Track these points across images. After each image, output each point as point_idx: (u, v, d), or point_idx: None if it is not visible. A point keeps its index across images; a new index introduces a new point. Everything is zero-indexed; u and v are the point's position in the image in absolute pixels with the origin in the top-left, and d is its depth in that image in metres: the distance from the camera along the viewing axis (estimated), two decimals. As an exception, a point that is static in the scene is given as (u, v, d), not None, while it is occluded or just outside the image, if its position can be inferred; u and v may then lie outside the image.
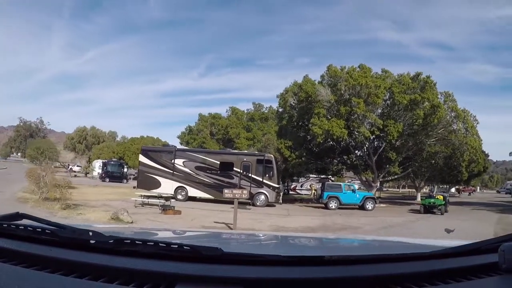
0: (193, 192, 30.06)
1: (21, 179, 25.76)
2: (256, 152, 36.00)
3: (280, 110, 40.05)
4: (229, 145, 48.01)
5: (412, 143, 34.05)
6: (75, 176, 57.56)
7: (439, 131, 32.70)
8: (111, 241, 1.76)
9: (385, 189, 77.39)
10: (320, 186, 33.79)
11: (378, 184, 39.27)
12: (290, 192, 49.48)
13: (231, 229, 15.02)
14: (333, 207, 30.21)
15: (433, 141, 34.01)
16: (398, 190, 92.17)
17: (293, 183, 51.28)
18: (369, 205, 30.54)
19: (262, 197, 29.63)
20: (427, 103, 30.59)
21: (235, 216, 15.76)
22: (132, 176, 60.12)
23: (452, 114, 32.69)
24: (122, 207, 17.93)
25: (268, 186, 29.82)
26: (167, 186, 29.61)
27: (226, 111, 61.89)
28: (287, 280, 1.56)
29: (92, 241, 1.79)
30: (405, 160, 36.98)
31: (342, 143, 35.60)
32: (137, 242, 1.73)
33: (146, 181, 30.26)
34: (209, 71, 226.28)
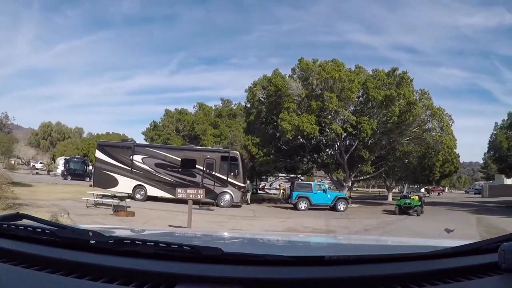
0: (152, 191, 27.96)
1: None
2: (221, 149, 33.77)
3: (248, 105, 37.79)
4: (195, 142, 45.89)
5: (386, 141, 32.72)
6: (37, 173, 55.96)
7: (413, 130, 31.41)
8: (111, 241, 1.76)
9: (355, 188, 76.07)
10: (289, 185, 31.98)
11: (350, 184, 37.88)
12: (259, 192, 47.55)
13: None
14: (303, 208, 28.67)
15: (407, 139, 32.74)
16: (368, 189, 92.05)
17: (262, 182, 49.68)
18: (341, 206, 29.01)
19: (227, 197, 27.78)
20: (402, 100, 29.17)
21: (189, 219, 14.47)
22: (96, 174, 57.14)
23: (428, 113, 31.42)
24: (72, 208, 17.21)
25: (233, 185, 27.96)
26: (125, 185, 27.73)
27: (194, 107, 60.10)
28: (287, 280, 1.55)
29: (92, 241, 1.78)
30: (378, 159, 35.72)
31: (313, 141, 33.98)
32: (137, 242, 1.73)
33: (103, 179, 28.15)
34: (181, 69, 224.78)
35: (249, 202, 31.78)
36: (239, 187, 28.10)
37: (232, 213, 23.92)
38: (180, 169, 27.99)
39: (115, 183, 27.88)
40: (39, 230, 1.85)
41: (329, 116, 29.34)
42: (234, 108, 55.76)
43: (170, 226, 15.69)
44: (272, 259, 1.69)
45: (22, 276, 1.54)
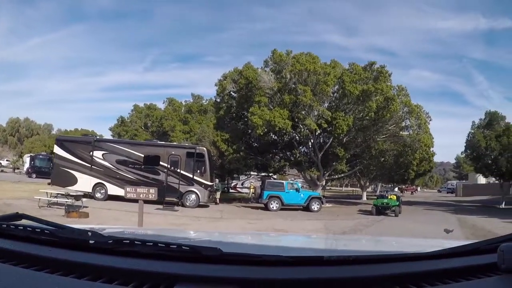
0: (113, 190, 25.76)
1: None
2: (186, 145, 31.64)
3: (218, 100, 35.75)
4: (164, 139, 43.60)
5: (362, 139, 31.41)
6: (2, 171, 54.97)
7: (390, 127, 30.23)
8: (110, 241, 1.77)
9: (329, 187, 75.49)
10: (260, 184, 30.18)
11: (324, 183, 36.39)
12: (231, 191, 46.00)
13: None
14: (274, 208, 27.01)
15: (384, 137, 31.51)
16: (341, 188, 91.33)
17: (234, 181, 47.73)
18: (314, 206, 27.46)
19: (193, 196, 25.85)
20: (380, 95, 27.77)
21: (140, 221, 12.77)
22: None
23: (405, 109, 30.28)
24: (24, 208, 15.97)
25: (200, 183, 26.02)
26: (85, 183, 25.68)
27: (163, 102, 58.27)
28: (287, 281, 1.55)
29: (91, 241, 1.78)
30: (353, 157, 34.45)
31: (285, 137, 32.48)
32: (136, 242, 1.74)
33: (62, 177, 25.99)
34: (155, 66, 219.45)
35: (218, 202, 30.05)
36: (206, 186, 26.17)
37: (198, 214, 22.41)
38: (142, 166, 26.11)
39: (74, 181, 25.87)
40: (38, 230, 1.85)
41: (303, 111, 27.70)
42: (205, 103, 53.70)
43: (124, 229, 13.87)
44: (271, 260, 1.68)
45: (21, 276, 1.53)
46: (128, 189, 14.42)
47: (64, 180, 25.67)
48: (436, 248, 1.99)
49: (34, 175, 48.53)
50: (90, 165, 26.21)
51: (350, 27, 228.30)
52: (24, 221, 1.99)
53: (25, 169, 56.14)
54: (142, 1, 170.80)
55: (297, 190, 27.94)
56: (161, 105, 58.67)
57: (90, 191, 25.23)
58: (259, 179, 38.35)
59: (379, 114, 27.92)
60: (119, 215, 18.76)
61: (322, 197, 29.60)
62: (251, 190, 34.99)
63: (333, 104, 30.48)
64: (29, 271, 1.57)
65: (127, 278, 1.52)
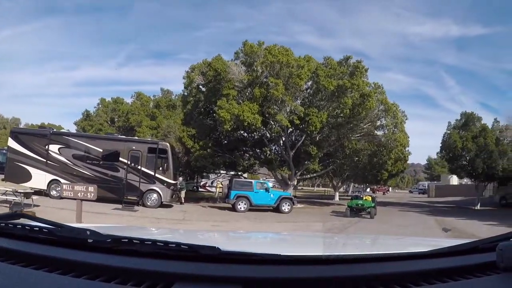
0: None
1: None
2: (148, 139, 29.62)
3: (186, 93, 33.59)
4: (130, 134, 41.35)
5: (335, 137, 29.89)
6: None
7: (365, 126, 28.91)
8: (109, 240, 1.78)
9: (300, 187, 74.70)
10: (228, 183, 28.45)
11: (295, 182, 34.73)
12: (200, 190, 44.29)
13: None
14: (242, 209, 25.50)
15: (358, 136, 30.14)
16: (313, 188, 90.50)
17: (203, 180, 46.03)
18: (285, 207, 26.13)
19: (154, 195, 24.12)
20: (355, 91, 26.30)
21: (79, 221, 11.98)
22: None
23: (381, 108, 28.96)
24: None
25: (162, 181, 24.32)
26: (39, 179, 24.04)
27: (132, 97, 55.81)
28: (285, 279, 1.56)
29: (89, 240, 1.79)
30: (326, 156, 33.09)
31: (255, 134, 30.73)
32: (134, 241, 1.75)
33: (16, 172, 24.29)
34: (129, 62, 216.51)
35: (183, 201, 28.33)
36: (168, 184, 24.42)
37: (158, 214, 20.80)
38: (101, 162, 24.28)
39: (28, 177, 24.10)
40: (37, 229, 1.86)
41: (274, 106, 25.95)
42: (175, 99, 51.65)
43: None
44: (270, 258, 1.71)
45: (20, 275, 1.54)
46: (64, 186, 12.81)
47: (18, 176, 24.12)
48: (435, 247, 2.07)
49: (-6, 171, 45.63)
50: (45, 160, 24.37)
51: (326, 29, 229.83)
52: (22, 220, 2.01)
53: (-14, 164, 53.32)
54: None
55: (267, 190, 26.40)
56: (130, 100, 56.14)
57: (45, 188, 23.55)
58: (230, 178, 36.50)
59: (355, 111, 26.49)
60: (69, 215, 16.76)
61: (293, 197, 28.19)
62: (218, 189, 33.23)
63: (307, 100, 28.90)
64: (27, 269, 1.57)
65: (125, 277, 1.52)
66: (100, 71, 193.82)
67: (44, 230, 1.85)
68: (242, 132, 30.00)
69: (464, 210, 33.32)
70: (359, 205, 24.87)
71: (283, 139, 29.97)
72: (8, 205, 17.00)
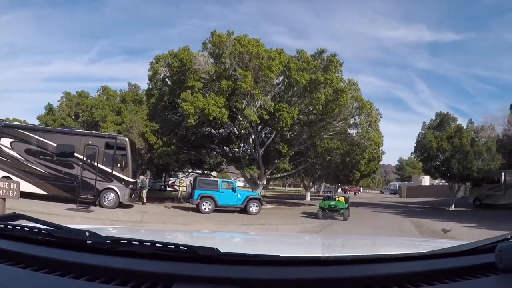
0: (22, 185, 21.60)
1: None
2: (106, 134, 27.41)
3: (150, 86, 31.44)
4: (94, 129, 39.16)
5: (307, 135, 28.50)
6: None
7: (338, 124, 27.60)
8: (108, 241, 1.77)
9: (271, 187, 74.10)
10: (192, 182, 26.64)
11: (265, 182, 33.17)
12: (168, 189, 42.79)
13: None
14: (207, 209, 23.75)
15: (331, 134, 28.79)
16: (284, 188, 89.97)
17: (171, 178, 44.45)
18: (253, 208, 24.51)
19: (112, 195, 22.20)
20: (329, 86, 24.81)
21: None
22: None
23: (355, 105, 27.74)
24: None
25: (120, 180, 22.40)
26: None
27: (97, 91, 53.39)
28: (284, 281, 1.57)
29: (88, 242, 1.79)
30: (297, 155, 31.67)
31: (223, 130, 29.24)
32: (133, 242, 1.74)
33: None
34: (101, 58, 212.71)
35: (145, 201, 26.59)
36: (126, 183, 22.51)
37: (114, 216, 19.01)
38: (55, 158, 22.26)
39: None
40: (36, 230, 1.86)
41: (243, 100, 24.30)
42: (142, 93, 49.54)
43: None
44: (269, 259, 1.71)
45: (19, 277, 1.53)
46: (-15, 184, 11.25)
47: (-33, 173, 21.81)
48: (434, 248, 2.09)
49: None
50: None
51: (300, 30, 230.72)
52: (21, 221, 1.99)
53: None
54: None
55: (233, 189, 24.71)
56: (96, 94, 53.61)
57: None
58: (194, 177, 34.62)
59: (328, 108, 25.01)
60: None
61: (261, 197, 26.64)
62: (180, 188, 31.39)
63: (278, 96, 27.46)
64: (27, 271, 1.57)
65: (125, 278, 1.52)
66: (71, 66, 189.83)
67: (43, 231, 1.83)
68: (208, 128, 28.33)
69: (438, 211, 32.95)
70: (332, 206, 23.47)
71: (253, 136, 28.37)
72: None
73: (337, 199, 25.00)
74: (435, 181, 63.98)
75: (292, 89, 26.39)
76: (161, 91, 29.28)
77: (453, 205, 35.45)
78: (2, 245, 1.77)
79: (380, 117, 31.51)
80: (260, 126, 28.15)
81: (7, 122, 25.97)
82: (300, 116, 26.68)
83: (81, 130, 27.33)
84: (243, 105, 24.16)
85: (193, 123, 24.17)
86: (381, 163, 47.27)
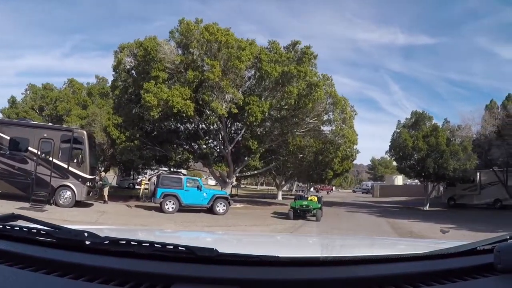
0: None
1: None
2: (63, 126, 25.32)
3: (115, 77, 29.43)
4: (58, 123, 37.09)
5: (279, 132, 27.17)
6: None
7: (311, 121, 26.39)
8: (107, 241, 1.74)
9: (243, 185, 73.09)
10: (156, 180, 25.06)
11: (234, 180, 31.86)
12: (137, 187, 40.06)
13: None
14: (170, 209, 22.35)
15: (303, 131, 27.64)
16: (257, 187, 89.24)
17: (140, 176, 42.18)
18: (220, 208, 23.17)
19: (68, 193, 20.45)
20: (302, 80, 23.68)
21: None
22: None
23: (329, 101, 26.47)
24: None
25: (76, 176, 20.63)
26: None
27: (64, 84, 50.82)
28: (283, 281, 1.55)
29: (87, 242, 1.76)
30: (268, 152, 30.43)
31: (189, 125, 27.77)
32: (132, 243, 1.71)
33: None
34: (75, 52, 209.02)
35: (106, 199, 24.91)
36: (84, 180, 20.74)
37: (68, 216, 17.45)
38: (7, 152, 20.38)
39: None
40: (34, 230, 1.84)
41: (210, 92, 22.75)
42: (109, 86, 47.63)
43: None
44: (268, 260, 1.67)
45: (17, 277, 1.53)
46: None
47: None
48: (432, 249, 2.02)
49: None
50: None
51: (275, 28, 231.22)
52: (20, 222, 1.98)
53: None
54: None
55: (199, 187, 23.28)
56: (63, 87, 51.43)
57: None
58: (158, 174, 32.85)
59: (300, 103, 23.77)
60: None
61: (229, 196, 25.15)
62: (142, 186, 29.70)
63: (249, 90, 26.18)
64: (25, 272, 1.56)
65: (123, 279, 1.51)
66: (44, 61, 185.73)
67: (42, 232, 1.81)
68: (174, 122, 26.71)
69: (413, 211, 32.70)
70: (304, 206, 22.33)
71: (221, 132, 26.88)
72: None
73: (309, 198, 23.84)
74: (408, 180, 64.44)
75: (264, 83, 25.11)
76: (126, 83, 27.50)
77: (428, 205, 35.25)
78: (1, 246, 1.73)
79: (355, 114, 30.52)
80: (229, 121, 26.88)
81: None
82: (272, 111, 25.55)
83: (36, 122, 25.28)
84: (210, 98, 22.62)
85: (156, 116, 22.54)
86: (353, 162, 46.70)
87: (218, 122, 25.34)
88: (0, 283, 1.44)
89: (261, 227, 19.06)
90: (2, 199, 19.04)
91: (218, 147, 28.77)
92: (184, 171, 33.25)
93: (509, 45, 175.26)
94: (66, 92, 47.58)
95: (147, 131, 27.29)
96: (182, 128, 28.27)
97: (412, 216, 26.81)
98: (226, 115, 23.36)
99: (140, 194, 29.18)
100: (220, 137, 27.73)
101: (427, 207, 34.92)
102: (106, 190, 25.16)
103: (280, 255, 1.69)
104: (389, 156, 39.74)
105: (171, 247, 1.66)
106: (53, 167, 20.39)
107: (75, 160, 20.80)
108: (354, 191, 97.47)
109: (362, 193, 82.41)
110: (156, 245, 1.68)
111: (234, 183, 40.85)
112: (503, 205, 32.94)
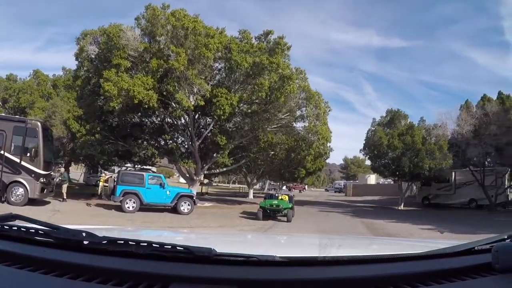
0: None
1: None
2: (16, 117, 23.18)
3: (77, 66, 27.40)
4: (21, 116, 35.10)
5: (249, 127, 25.91)
6: None
7: (283, 116, 25.22)
8: (105, 241, 1.72)
9: (215, 184, 71.83)
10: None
11: (202, 178, 30.56)
12: (105, 185, 38.55)
13: None
14: (131, 208, 20.94)
15: (275, 127, 26.50)
16: (228, 185, 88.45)
17: (108, 173, 40.08)
18: (184, 207, 21.80)
19: (20, 190, 18.85)
20: (274, 72, 22.44)
21: None
22: None
23: (302, 95, 25.47)
24: None
25: (29, 172, 19.03)
26: None
27: (30, 75, 48.41)
28: (281, 281, 1.56)
29: (85, 242, 1.75)
30: (238, 149, 29.32)
31: (155, 118, 26.34)
32: (130, 242, 1.70)
33: None
34: (48, 46, 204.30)
35: (65, 197, 23.19)
36: (37, 176, 19.13)
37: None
38: None
39: None
40: (33, 230, 1.82)
41: (175, 83, 21.28)
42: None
43: None
44: (265, 260, 1.66)
45: (15, 277, 1.52)
46: None
47: None
48: (430, 249, 2.01)
49: None
50: None
51: (250, 27, 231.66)
52: (18, 222, 1.94)
53: None
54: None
55: (162, 185, 21.75)
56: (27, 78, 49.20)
57: None
58: (118, 171, 31.07)
59: (272, 97, 22.56)
60: None
61: (194, 195, 23.72)
62: (101, 183, 28.05)
63: (218, 82, 24.79)
64: (23, 271, 1.55)
65: (121, 279, 1.51)
66: (17, 55, 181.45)
67: (40, 231, 1.78)
68: (138, 115, 25.06)
69: (388, 211, 32.23)
70: (274, 205, 21.06)
71: (189, 126, 25.41)
72: None
73: (280, 197, 22.63)
74: (381, 180, 64.45)
75: (234, 75, 23.77)
76: (89, 73, 25.73)
77: (402, 204, 34.92)
78: None
79: (329, 110, 29.59)
80: (197, 115, 25.49)
81: None
82: (242, 106, 24.37)
83: None
84: (176, 89, 21.16)
85: (117, 107, 20.93)
86: (326, 161, 46.14)
87: (185, 116, 23.92)
88: None
89: (227, 228, 17.84)
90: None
91: (185, 142, 27.31)
92: (153, 168, 31.72)
93: (482, 50, 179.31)
94: (30, 84, 45.35)
95: (110, 125, 25.55)
96: (148, 122, 26.77)
97: (387, 216, 26.22)
98: (193, 108, 22.00)
99: (99, 191, 27.50)
100: (188, 132, 26.26)
101: (401, 207, 34.60)
102: (65, 188, 23.43)
103: (278, 255, 1.65)
104: (363, 155, 38.97)
105: (169, 247, 1.64)
106: (5, 161, 18.75)
107: (28, 154, 19.18)
108: (326, 190, 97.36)
109: (335, 192, 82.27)
110: (154, 245, 1.65)
111: (205, 181, 39.43)
112: (479, 205, 32.95)
